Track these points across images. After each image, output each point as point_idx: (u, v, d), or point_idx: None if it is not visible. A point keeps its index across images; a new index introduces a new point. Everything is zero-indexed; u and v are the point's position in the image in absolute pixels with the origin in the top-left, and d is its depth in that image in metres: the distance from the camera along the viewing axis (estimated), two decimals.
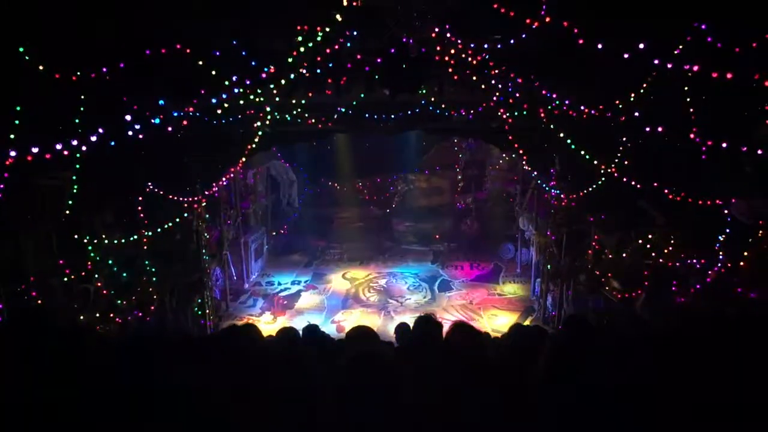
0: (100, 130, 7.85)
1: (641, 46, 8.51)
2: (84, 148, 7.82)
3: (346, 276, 22.07)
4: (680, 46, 8.82)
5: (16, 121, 8.05)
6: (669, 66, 8.44)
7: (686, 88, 9.65)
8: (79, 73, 8.70)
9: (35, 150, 7.27)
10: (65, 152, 7.60)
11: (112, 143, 8.46)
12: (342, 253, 24.44)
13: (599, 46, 8.94)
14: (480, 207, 25.52)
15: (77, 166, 9.97)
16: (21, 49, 8.12)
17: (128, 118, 8.28)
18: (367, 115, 14.72)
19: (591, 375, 4.22)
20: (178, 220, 14.45)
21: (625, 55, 8.77)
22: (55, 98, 8.72)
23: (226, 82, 10.33)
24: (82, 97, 9.04)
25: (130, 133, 8.43)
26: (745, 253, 10.62)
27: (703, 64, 8.20)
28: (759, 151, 8.96)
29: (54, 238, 10.69)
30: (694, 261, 11.78)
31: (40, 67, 8.31)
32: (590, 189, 13.73)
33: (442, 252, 24.56)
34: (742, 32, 8.43)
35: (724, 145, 9.28)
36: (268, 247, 23.62)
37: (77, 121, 8.70)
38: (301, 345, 5.78)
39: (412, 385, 4.18)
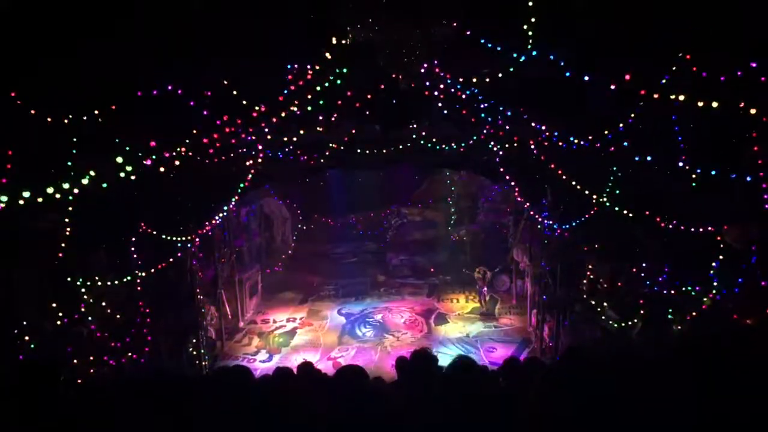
0: (92, 173, 7.85)
1: (627, 77, 8.61)
2: (76, 190, 7.82)
3: (341, 312, 21.94)
4: (666, 76, 8.95)
5: (8, 165, 8.07)
6: (655, 96, 8.53)
7: (674, 117, 9.76)
8: (70, 116, 8.75)
9: (26, 194, 7.27)
10: (57, 195, 7.59)
11: (105, 185, 8.46)
12: (337, 288, 24.34)
13: (586, 78, 9.05)
14: (475, 240, 25.50)
15: (69, 208, 9.97)
16: (13, 94, 8.19)
17: (120, 159, 8.29)
18: (358, 151, 14.82)
19: (587, 404, 4.20)
20: (171, 259, 14.40)
21: (612, 87, 8.87)
22: (46, 141, 8.75)
23: (218, 122, 10.40)
24: (74, 139, 9.07)
25: (122, 174, 8.43)
26: (739, 280, 10.62)
27: (689, 93, 8.30)
28: (748, 177, 9.03)
29: (46, 281, 10.64)
30: (689, 288, 11.77)
31: (32, 111, 8.36)
32: (583, 219, 13.78)
33: (438, 285, 24.50)
34: (726, 61, 8.56)
35: (713, 172, 9.36)
36: (262, 284, 23.52)
37: (69, 163, 8.72)
38: (295, 385, 5.73)
39: (410, 419, 4.17)
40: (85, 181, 7.85)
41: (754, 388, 4.15)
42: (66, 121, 8.69)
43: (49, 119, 8.51)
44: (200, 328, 16.24)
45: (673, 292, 12.20)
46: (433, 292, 23.82)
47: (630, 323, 13.27)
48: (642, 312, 12.96)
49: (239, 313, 20.83)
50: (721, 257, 10.87)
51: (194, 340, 15.97)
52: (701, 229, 10.75)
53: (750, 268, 10.41)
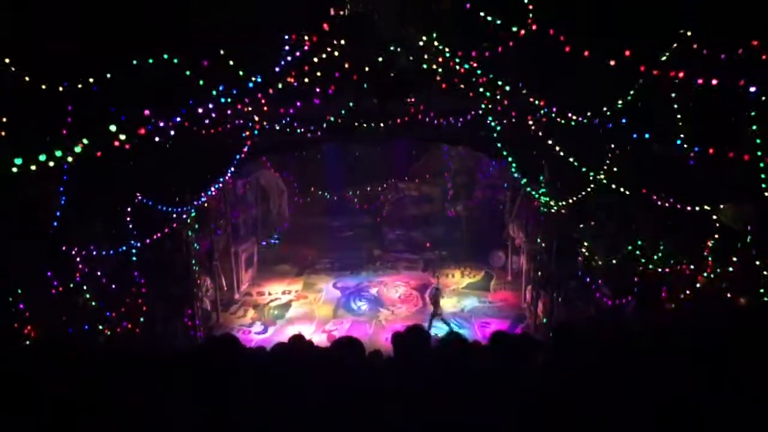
0: (85, 141, 7.79)
1: (627, 53, 8.54)
2: (70, 159, 7.76)
3: (336, 285, 22.02)
4: (666, 53, 8.88)
5: (2, 133, 8.01)
6: (655, 73, 8.47)
7: (673, 95, 9.70)
8: (65, 84, 8.66)
9: (19, 162, 7.22)
10: (50, 163, 7.54)
11: (99, 154, 8.40)
12: (332, 262, 24.38)
13: (586, 53, 8.97)
14: (471, 216, 25.50)
15: (64, 177, 9.92)
16: (6, 60, 8.10)
17: (113, 128, 8.22)
18: (356, 124, 14.72)
19: (577, 385, 4.22)
20: (167, 230, 14.37)
21: (612, 63, 8.80)
22: (40, 109, 8.68)
23: (214, 92, 10.31)
24: (69, 107, 9.00)
25: (117, 143, 8.37)
26: (734, 259, 10.65)
27: (689, 70, 8.24)
28: (745, 157, 9.00)
29: (42, 250, 10.60)
30: (684, 267, 11.79)
31: (26, 78, 8.28)
32: (579, 196, 13.75)
33: (433, 260, 24.54)
34: (727, 39, 8.49)
35: (711, 151, 9.32)
36: (258, 257, 23.55)
37: (64, 131, 8.66)
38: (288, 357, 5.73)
39: (401, 395, 4.18)
40: (78, 150, 7.78)
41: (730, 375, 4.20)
42: (60, 89, 8.61)
43: (43, 87, 8.43)
44: (195, 299, 16.28)
45: (667, 270, 12.23)
46: (429, 266, 23.86)
47: (624, 300, 13.32)
48: (636, 289, 13.00)
49: (234, 285, 20.88)
50: (716, 236, 10.88)
51: (189, 311, 16.01)
52: (697, 208, 10.75)
53: (745, 248, 10.42)
